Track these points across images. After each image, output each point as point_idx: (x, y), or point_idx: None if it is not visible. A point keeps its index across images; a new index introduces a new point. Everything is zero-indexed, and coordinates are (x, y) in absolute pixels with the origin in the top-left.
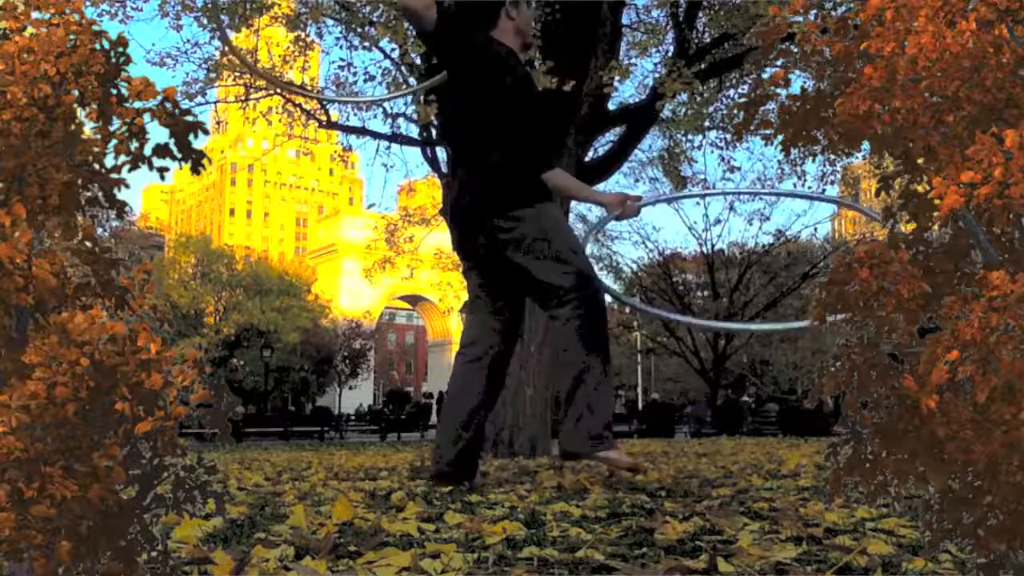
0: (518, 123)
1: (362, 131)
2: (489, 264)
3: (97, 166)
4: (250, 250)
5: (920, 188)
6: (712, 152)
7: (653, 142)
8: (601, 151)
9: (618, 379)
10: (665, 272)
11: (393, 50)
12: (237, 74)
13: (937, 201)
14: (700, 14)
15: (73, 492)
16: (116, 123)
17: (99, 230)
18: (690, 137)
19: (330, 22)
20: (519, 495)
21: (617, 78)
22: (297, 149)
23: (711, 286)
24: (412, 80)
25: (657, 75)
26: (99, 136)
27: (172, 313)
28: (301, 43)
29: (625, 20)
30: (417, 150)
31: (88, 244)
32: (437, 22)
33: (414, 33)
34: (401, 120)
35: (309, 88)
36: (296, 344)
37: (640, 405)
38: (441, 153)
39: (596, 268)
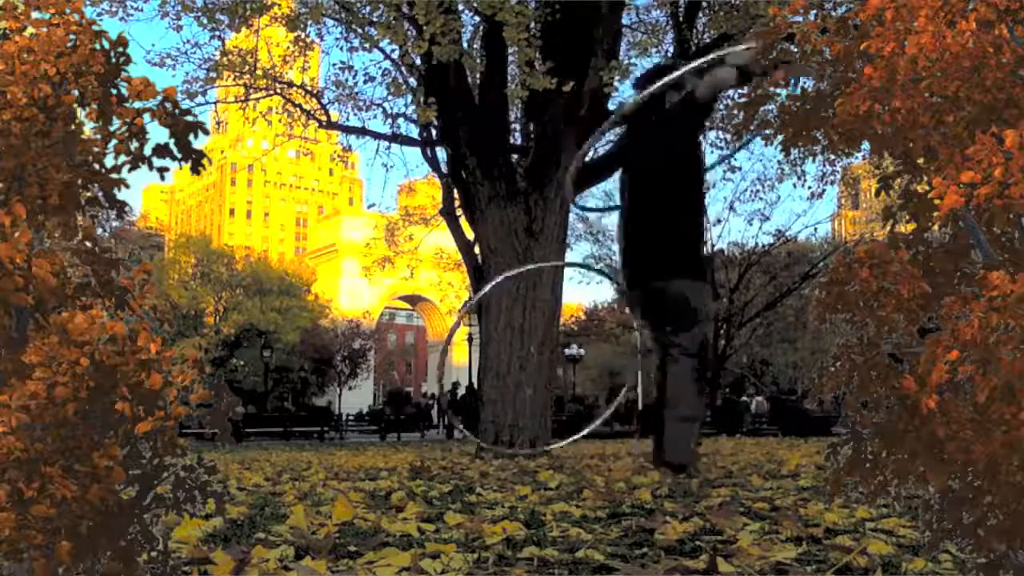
0: None
1: (362, 131)
2: None
3: (97, 166)
4: (250, 250)
5: (920, 188)
6: (712, 152)
7: None
8: (601, 151)
9: (618, 379)
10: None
11: (393, 51)
12: (237, 74)
13: (937, 201)
14: (700, 14)
15: (73, 492)
16: (116, 123)
17: (99, 230)
18: None
19: (330, 22)
20: (519, 495)
21: (617, 78)
22: (297, 149)
23: (711, 286)
24: (412, 81)
25: None
26: (99, 136)
27: (172, 313)
28: (301, 43)
29: (625, 20)
30: (417, 150)
31: (88, 244)
32: None
33: (414, 34)
34: (401, 120)
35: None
36: (296, 344)
37: (640, 405)
38: (441, 153)
39: (596, 267)
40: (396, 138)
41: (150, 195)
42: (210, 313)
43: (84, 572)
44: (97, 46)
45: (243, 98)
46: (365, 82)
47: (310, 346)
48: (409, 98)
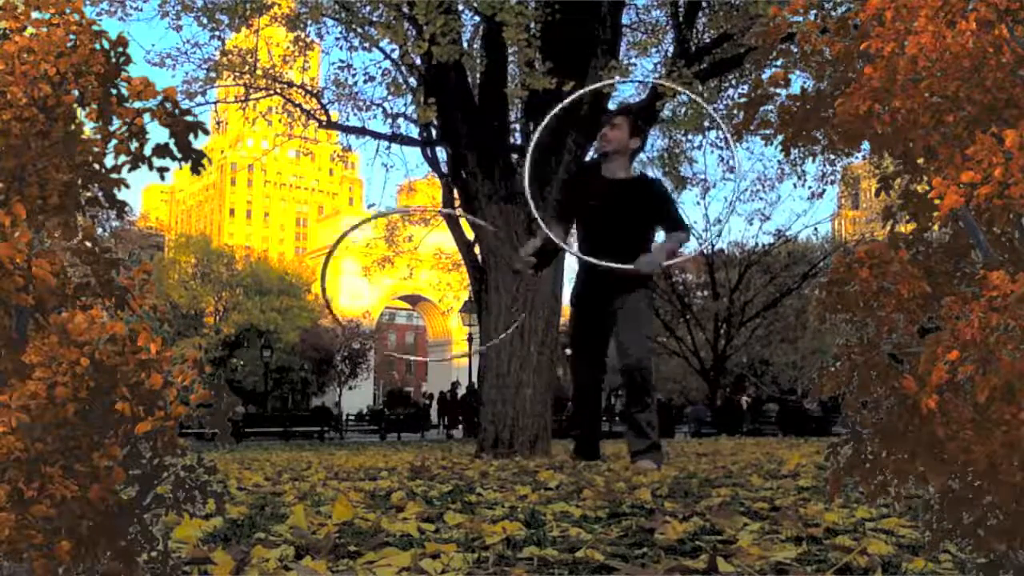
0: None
1: (362, 131)
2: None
3: (97, 166)
4: (250, 250)
5: (920, 188)
6: (712, 152)
7: (653, 142)
8: None
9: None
10: (664, 271)
11: (393, 50)
12: (237, 74)
13: (937, 201)
14: (700, 14)
15: (73, 492)
16: (116, 123)
17: (99, 230)
18: (690, 137)
19: (330, 22)
20: (519, 495)
21: (617, 78)
22: (297, 149)
23: (711, 286)
24: (412, 81)
25: (657, 75)
26: (99, 136)
27: (172, 313)
28: (301, 43)
29: (625, 20)
30: (417, 150)
31: (88, 244)
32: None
33: (414, 34)
34: (401, 120)
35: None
36: (296, 344)
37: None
38: (441, 153)
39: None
40: (396, 138)
41: (150, 195)
42: (210, 313)
43: (84, 572)
44: (97, 46)
45: (243, 98)
46: (365, 82)
47: (310, 346)
48: (409, 98)
